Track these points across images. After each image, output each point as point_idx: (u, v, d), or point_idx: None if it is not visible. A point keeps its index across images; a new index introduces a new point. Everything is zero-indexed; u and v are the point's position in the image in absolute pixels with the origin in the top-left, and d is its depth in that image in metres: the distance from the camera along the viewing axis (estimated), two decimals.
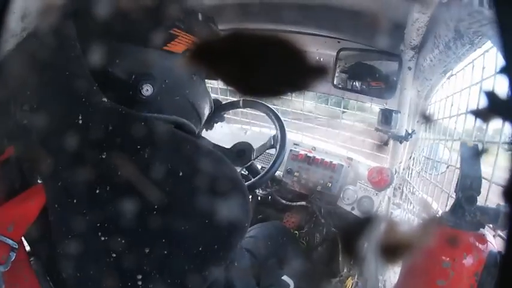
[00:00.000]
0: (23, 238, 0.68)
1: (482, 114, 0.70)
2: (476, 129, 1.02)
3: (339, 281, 1.66)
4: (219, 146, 1.44)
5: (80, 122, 0.63)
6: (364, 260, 1.47)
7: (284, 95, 0.33)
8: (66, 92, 0.66)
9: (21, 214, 0.66)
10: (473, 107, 1.03)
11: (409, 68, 1.48)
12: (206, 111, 0.90)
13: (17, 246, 0.65)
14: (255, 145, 1.53)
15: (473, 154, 0.90)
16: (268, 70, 0.31)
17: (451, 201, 1.01)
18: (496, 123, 0.87)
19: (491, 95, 0.40)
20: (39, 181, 0.69)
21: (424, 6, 1.09)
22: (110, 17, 0.67)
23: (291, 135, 2.09)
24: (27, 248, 0.72)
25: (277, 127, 1.44)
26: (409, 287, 1.02)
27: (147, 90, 0.73)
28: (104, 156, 0.62)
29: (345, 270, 1.70)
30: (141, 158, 0.62)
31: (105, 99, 0.65)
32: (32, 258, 0.73)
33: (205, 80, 0.92)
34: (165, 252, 0.62)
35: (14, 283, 0.69)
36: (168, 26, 0.75)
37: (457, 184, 0.92)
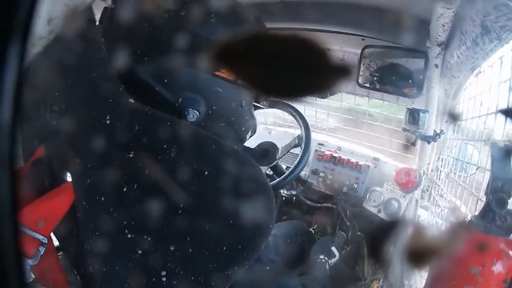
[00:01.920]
0: (52, 234, 0.70)
1: None
2: (507, 129, 0.98)
3: (363, 284, 1.63)
4: (244, 145, 1.44)
5: (108, 122, 0.65)
6: (389, 264, 1.44)
7: (310, 95, 0.32)
8: (93, 93, 0.68)
9: (50, 211, 0.68)
10: (503, 105, 1.00)
11: (436, 66, 1.44)
12: (249, 135, 0.89)
13: (46, 241, 0.67)
14: (280, 145, 1.52)
15: (505, 155, 0.88)
16: (292, 70, 0.30)
17: (480, 205, 0.98)
18: None
19: None
20: (68, 179, 0.71)
21: (449, 1, 1.05)
22: (161, 33, 0.70)
23: (316, 135, 2.07)
24: (56, 243, 0.74)
25: (302, 126, 1.43)
26: None
27: (193, 116, 0.73)
28: (131, 156, 0.63)
29: (370, 274, 1.67)
30: (167, 158, 0.63)
31: (131, 100, 0.67)
32: (60, 253, 0.75)
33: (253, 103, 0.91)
34: (190, 250, 0.63)
35: (43, 276, 0.71)
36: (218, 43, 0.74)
37: (487, 186, 0.89)
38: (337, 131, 2.14)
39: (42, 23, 0.58)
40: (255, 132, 0.91)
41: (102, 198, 0.64)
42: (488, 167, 0.96)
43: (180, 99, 0.73)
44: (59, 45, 0.66)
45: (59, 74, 0.67)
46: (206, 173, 0.64)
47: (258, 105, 1.49)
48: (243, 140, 0.88)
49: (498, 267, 0.84)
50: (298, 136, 1.48)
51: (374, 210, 1.73)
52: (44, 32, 0.60)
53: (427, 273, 1.09)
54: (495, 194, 0.86)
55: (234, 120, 0.81)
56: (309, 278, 1.22)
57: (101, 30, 0.72)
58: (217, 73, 0.75)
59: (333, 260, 1.57)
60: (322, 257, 1.52)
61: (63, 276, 0.73)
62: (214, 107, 0.76)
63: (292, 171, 1.31)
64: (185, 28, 0.70)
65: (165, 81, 0.72)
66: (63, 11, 0.61)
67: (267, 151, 1.49)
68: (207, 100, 0.75)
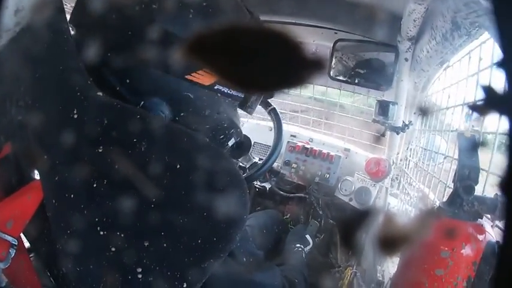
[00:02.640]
0: (22, 235, 0.67)
1: (479, 107, 0.71)
2: (473, 121, 1.02)
3: (337, 271, 1.67)
4: None
5: (75, 116, 0.62)
6: (362, 251, 1.48)
7: (281, 88, 0.33)
8: (60, 86, 0.65)
9: (19, 210, 0.65)
10: (470, 98, 1.04)
11: (406, 59, 1.48)
12: (231, 143, 0.84)
13: (16, 243, 0.64)
14: (253, 137, 1.53)
15: (471, 145, 0.91)
16: (264, 63, 0.30)
17: (448, 192, 1.01)
18: (493, 115, 0.87)
19: (487, 88, 0.40)
20: (36, 177, 0.68)
21: None
22: (124, 29, 0.66)
23: (288, 127, 2.10)
24: (27, 244, 0.72)
25: (274, 119, 1.44)
26: (408, 277, 1.03)
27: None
28: (100, 151, 0.61)
29: (344, 261, 1.71)
30: (138, 152, 0.62)
31: (100, 93, 0.63)
32: (31, 255, 0.73)
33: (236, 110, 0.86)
34: (164, 245, 0.62)
35: (14, 279, 0.69)
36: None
37: (454, 174, 0.92)
38: (308, 123, 2.16)
39: (8, 14, 0.56)
40: (240, 139, 0.86)
41: (72, 196, 0.62)
42: (455, 156, 1.00)
43: (142, 102, 0.69)
44: (25, 37, 0.64)
45: (25, 66, 0.65)
46: (178, 166, 0.62)
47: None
48: (221, 145, 0.83)
49: (467, 251, 0.87)
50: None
51: (346, 199, 1.77)
52: (10, 24, 0.58)
53: (398, 259, 1.13)
54: (462, 181, 0.89)
55: (208, 128, 0.76)
56: (288, 268, 1.22)
57: (70, 21, 0.69)
58: (188, 77, 0.70)
59: (308, 248, 1.61)
60: (298, 245, 1.55)
61: (36, 278, 0.70)
62: (182, 114, 0.72)
63: (264, 163, 1.32)
64: (155, 22, 0.66)
65: (127, 81, 0.68)
66: (30, 1, 0.60)
67: (240, 143, 1.48)
68: (173, 106, 0.70)
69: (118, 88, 0.68)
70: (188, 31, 0.67)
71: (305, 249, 1.58)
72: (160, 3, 0.67)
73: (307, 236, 1.66)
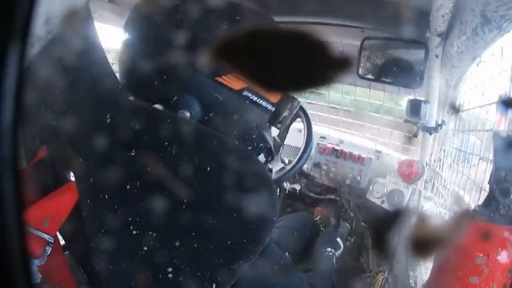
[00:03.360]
0: (58, 233, 0.70)
1: None
2: (508, 119, 0.98)
3: (368, 276, 1.64)
4: None
5: (108, 121, 0.65)
6: (394, 255, 1.45)
7: (309, 89, 0.33)
8: (92, 92, 0.68)
9: (55, 210, 0.68)
10: (504, 96, 0.99)
11: (436, 56, 1.43)
12: (261, 158, 0.87)
13: (52, 241, 0.67)
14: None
15: (507, 145, 0.87)
16: (291, 64, 0.30)
17: (484, 195, 0.98)
18: None
19: None
20: (72, 179, 0.71)
21: None
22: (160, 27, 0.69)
23: (318, 128, 2.08)
24: (62, 242, 0.74)
25: (304, 120, 1.42)
26: (441, 284, 1.00)
27: (181, 115, 0.71)
28: (132, 154, 0.64)
29: (375, 266, 1.67)
30: (169, 155, 0.63)
31: (131, 98, 0.67)
32: (66, 252, 0.75)
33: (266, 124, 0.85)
34: (195, 245, 0.63)
35: (50, 276, 0.71)
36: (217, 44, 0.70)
37: (490, 176, 0.90)
38: (339, 124, 2.13)
39: (40, 23, 0.58)
40: (271, 158, 0.89)
41: (106, 196, 0.64)
42: (491, 157, 0.96)
43: (175, 97, 0.72)
44: (57, 45, 0.66)
45: (58, 73, 0.67)
46: (208, 168, 0.64)
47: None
48: None
49: (503, 257, 0.84)
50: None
51: (377, 202, 1.73)
52: (42, 32, 0.60)
53: (432, 264, 1.09)
54: (499, 183, 0.87)
55: (236, 134, 0.78)
56: (317, 274, 1.21)
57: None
58: (219, 79, 0.73)
59: (339, 252, 1.57)
60: (329, 249, 1.52)
61: (71, 276, 0.73)
62: (211, 114, 0.74)
63: (294, 165, 1.31)
64: (184, 26, 0.69)
65: (164, 77, 0.71)
66: (60, 11, 0.61)
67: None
68: (203, 104, 0.73)
69: (155, 83, 0.71)
70: (215, 35, 0.69)
71: (336, 253, 1.54)
72: (186, 7, 0.70)
73: (338, 239, 1.62)
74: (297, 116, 1.35)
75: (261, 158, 0.86)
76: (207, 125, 0.74)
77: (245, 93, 0.75)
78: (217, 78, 0.72)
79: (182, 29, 0.68)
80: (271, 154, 0.88)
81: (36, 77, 0.66)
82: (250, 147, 0.82)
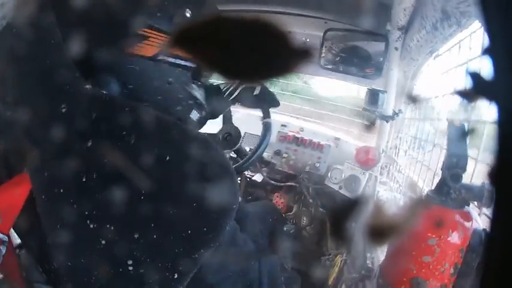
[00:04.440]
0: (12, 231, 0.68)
1: (468, 95, 0.71)
2: (462, 109, 1.03)
3: (328, 259, 1.69)
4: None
5: (64, 110, 0.62)
6: (352, 239, 1.49)
7: (271, 78, 0.33)
8: (48, 81, 0.64)
9: (7, 204, 0.65)
10: (459, 87, 1.04)
11: (396, 49, 1.49)
12: (194, 116, 0.85)
13: (7, 240, 0.65)
14: (243, 128, 1.52)
15: (460, 133, 0.91)
16: (254, 53, 0.30)
17: (437, 180, 1.02)
18: (482, 103, 0.88)
19: (475, 76, 0.41)
20: (24, 171, 0.68)
21: None
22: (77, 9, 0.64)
23: (279, 117, 2.10)
24: (18, 240, 0.71)
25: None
26: (396, 264, 1.04)
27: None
28: (89, 144, 0.61)
29: (334, 249, 1.72)
30: (127, 145, 0.61)
31: (88, 87, 0.64)
32: (22, 250, 0.73)
33: (191, 81, 0.84)
34: (155, 237, 0.62)
35: (9, 274, 0.69)
36: (136, 25, 0.69)
37: (443, 163, 0.93)
38: (299, 112, 2.16)
39: None
40: (204, 112, 0.86)
41: (62, 190, 0.62)
42: (444, 145, 1.01)
43: (94, 77, 0.69)
44: (11, 32, 0.64)
45: (11, 62, 0.64)
46: (168, 158, 0.62)
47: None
48: (182, 120, 0.83)
49: (454, 238, 0.88)
50: None
51: (335, 187, 1.78)
52: None
53: (387, 246, 1.14)
54: (450, 169, 0.90)
55: (161, 99, 0.77)
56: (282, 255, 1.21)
57: (55, 15, 0.67)
58: (130, 50, 0.71)
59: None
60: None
61: (20, 275, 0.70)
62: (130, 86, 0.72)
63: (254, 153, 1.32)
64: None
65: (80, 62, 0.66)
66: None
67: (229, 134, 1.48)
68: (120, 79, 0.71)
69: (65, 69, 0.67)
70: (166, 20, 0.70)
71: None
72: None
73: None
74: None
75: (194, 114, 0.85)
76: (130, 97, 0.72)
77: (160, 57, 0.74)
78: (128, 50, 0.70)
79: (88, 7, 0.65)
80: (202, 108, 0.86)
81: None
82: (179, 107, 0.81)
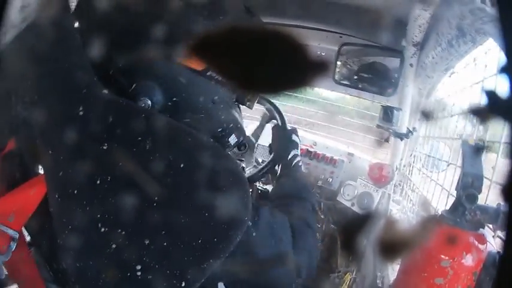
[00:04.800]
0: (23, 228, 0.68)
1: (483, 114, 0.70)
2: (477, 128, 1.01)
3: (337, 276, 1.66)
4: None
5: (81, 113, 0.62)
6: (363, 256, 1.47)
7: (285, 90, 0.33)
8: (66, 83, 0.65)
9: (21, 204, 0.66)
10: (474, 105, 1.03)
11: (411, 65, 1.47)
12: (232, 140, 0.82)
13: (17, 236, 0.65)
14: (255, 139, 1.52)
15: (475, 152, 0.90)
16: (268, 65, 0.30)
17: (451, 200, 1.00)
18: (497, 123, 0.86)
19: (491, 94, 0.40)
20: (40, 172, 0.69)
21: (426, 3, 1.08)
22: (118, 13, 0.67)
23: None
24: (28, 238, 0.72)
25: (279, 121, 1.43)
26: (407, 285, 1.03)
27: (144, 105, 0.69)
28: (104, 148, 0.61)
29: (344, 266, 1.70)
30: (142, 150, 0.61)
31: (105, 91, 0.64)
32: (32, 248, 0.73)
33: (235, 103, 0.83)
34: (165, 244, 0.61)
35: (14, 272, 0.69)
36: (189, 36, 0.66)
37: (458, 182, 0.92)
38: (313, 126, 2.15)
39: (15, 10, 0.56)
40: (242, 138, 0.84)
41: (75, 191, 0.62)
42: (459, 163, 0.99)
43: (134, 85, 0.69)
44: (31, 33, 0.64)
45: (31, 63, 0.65)
46: (181, 165, 0.62)
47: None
48: (220, 142, 0.80)
49: (468, 260, 0.87)
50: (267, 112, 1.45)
51: (348, 204, 1.76)
52: (16, 20, 0.58)
53: (398, 265, 1.12)
54: (465, 189, 0.89)
55: (203, 117, 0.75)
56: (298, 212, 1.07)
57: (76, 18, 0.69)
58: (181, 61, 0.70)
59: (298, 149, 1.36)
60: (293, 153, 1.30)
61: (36, 272, 0.71)
62: (174, 99, 0.71)
63: (267, 164, 1.30)
64: (151, 12, 0.67)
65: (120, 65, 0.68)
66: None
67: (243, 144, 1.47)
68: (165, 90, 0.70)
69: (111, 72, 0.68)
70: (190, 24, 0.68)
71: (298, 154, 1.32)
72: None
73: (294, 137, 1.38)
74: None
75: (232, 138, 0.82)
76: (172, 111, 0.71)
77: (209, 72, 0.72)
78: (179, 61, 0.70)
79: (139, 13, 0.67)
80: (242, 133, 0.85)
81: (8, 66, 0.64)
82: (220, 129, 0.79)
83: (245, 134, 0.85)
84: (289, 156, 1.25)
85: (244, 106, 0.87)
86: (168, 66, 0.70)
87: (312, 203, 1.04)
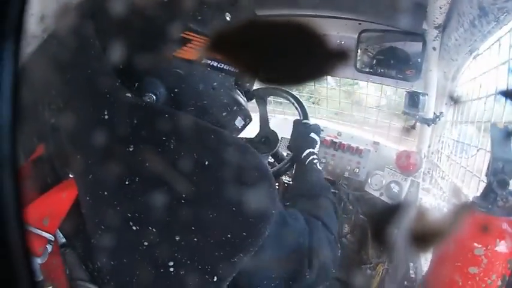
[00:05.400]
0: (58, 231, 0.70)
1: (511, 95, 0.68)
2: (506, 110, 0.98)
3: (369, 267, 1.64)
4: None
5: (106, 117, 0.64)
6: (394, 247, 1.45)
7: (307, 82, 0.32)
8: (90, 89, 0.67)
9: (54, 207, 0.68)
10: (502, 87, 0.99)
11: (434, 49, 1.43)
12: (238, 122, 0.85)
13: (53, 239, 0.67)
14: (280, 132, 1.52)
15: (505, 136, 0.88)
16: (289, 56, 0.30)
17: (482, 186, 0.99)
18: None
19: None
20: (70, 176, 0.70)
21: None
22: (116, 17, 0.68)
23: (316, 121, 2.08)
24: (63, 240, 0.74)
25: (300, 113, 1.42)
26: (441, 275, 1.01)
27: (149, 99, 0.72)
28: (131, 149, 0.63)
29: (375, 257, 1.68)
30: (167, 150, 0.63)
31: (128, 94, 0.66)
32: (67, 250, 0.76)
33: (234, 87, 0.85)
34: (195, 240, 0.63)
35: (49, 274, 0.70)
36: (178, 29, 0.71)
37: (488, 168, 0.91)
38: (336, 116, 2.13)
39: (34, 21, 0.58)
40: (248, 120, 0.87)
41: (105, 193, 0.64)
42: (489, 148, 0.96)
43: (138, 82, 0.72)
44: (53, 42, 0.67)
45: (55, 71, 0.67)
46: (207, 162, 0.63)
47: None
48: (227, 126, 0.83)
49: (501, 247, 0.85)
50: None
51: (376, 194, 1.73)
52: (37, 30, 0.60)
53: (431, 255, 1.10)
54: (496, 175, 0.87)
55: (206, 103, 0.78)
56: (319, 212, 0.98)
57: (94, 25, 0.71)
58: (176, 54, 0.72)
59: (317, 148, 1.30)
60: (307, 152, 1.25)
61: (64, 275, 0.73)
62: (176, 90, 0.74)
63: (286, 163, 1.30)
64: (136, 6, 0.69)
65: (121, 66, 0.70)
66: (55, 8, 0.61)
67: (267, 139, 1.48)
68: (166, 83, 0.73)
69: (117, 75, 0.70)
70: (204, 23, 0.71)
71: (316, 152, 1.27)
72: None
73: (312, 135, 1.33)
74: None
75: (239, 121, 0.85)
76: (175, 102, 0.74)
77: (205, 60, 0.75)
78: (174, 54, 0.72)
79: (137, 13, 0.69)
80: (247, 115, 0.86)
81: (33, 75, 0.66)
82: (225, 113, 0.82)
83: (250, 116, 0.87)
84: (304, 154, 1.23)
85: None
86: (165, 61, 0.73)
87: (327, 197, 1.04)
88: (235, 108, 0.83)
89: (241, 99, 0.86)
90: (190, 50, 0.73)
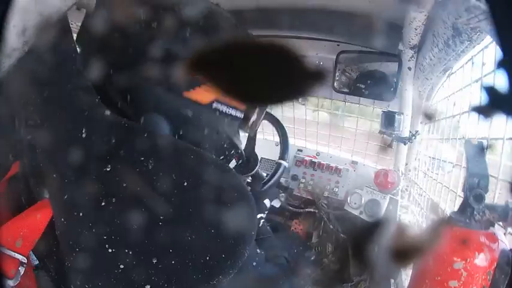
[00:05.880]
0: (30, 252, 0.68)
1: (484, 111, 0.70)
2: (480, 127, 1.01)
3: (350, 286, 1.64)
4: None
5: (84, 135, 0.63)
6: (375, 264, 1.45)
7: (285, 102, 0.33)
8: (68, 106, 0.66)
9: (28, 229, 0.66)
10: (475, 104, 1.03)
11: (409, 68, 1.47)
12: (232, 165, 0.85)
13: (25, 261, 0.65)
14: (259, 152, 1.52)
15: (479, 152, 0.90)
16: (268, 77, 0.31)
17: (459, 201, 1.00)
18: (499, 119, 0.87)
19: (491, 90, 0.40)
20: (45, 196, 0.69)
21: (421, 5, 1.08)
22: (116, 36, 0.68)
23: (295, 141, 2.09)
24: (36, 262, 0.72)
25: (280, 133, 1.43)
26: None
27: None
28: (108, 169, 0.62)
29: (356, 275, 1.68)
30: (145, 170, 0.62)
31: (107, 112, 0.65)
32: (40, 272, 0.73)
33: (237, 131, 0.84)
34: (173, 262, 0.61)
35: None
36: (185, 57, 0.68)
37: (464, 183, 0.91)
38: (315, 137, 2.15)
39: (15, 34, 0.57)
40: (241, 161, 0.87)
41: (81, 214, 0.62)
42: (464, 164, 0.98)
43: (142, 118, 0.69)
44: (33, 57, 0.65)
45: (33, 86, 0.65)
46: (185, 183, 0.62)
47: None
48: None
49: (481, 260, 0.85)
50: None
51: (356, 212, 1.74)
52: (17, 43, 0.59)
53: (411, 271, 1.10)
54: (472, 190, 0.88)
55: (208, 148, 0.75)
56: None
57: (76, 40, 0.70)
58: (187, 94, 0.70)
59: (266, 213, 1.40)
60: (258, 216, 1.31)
61: None
62: (181, 132, 0.72)
63: (270, 178, 1.31)
64: (155, 41, 0.67)
65: (128, 97, 0.69)
66: (37, 21, 0.61)
67: (248, 160, 1.48)
68: (173, 123, 0.71)
69: (119, 105, 0.69)
70: (185, 49, 0.67)
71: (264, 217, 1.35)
72: (159, 22, 0.68)
73: (266, 201, 1.42)
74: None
75: (232, 163, 0.84)
76: None
77: (215, 105, 0.73)
78: (185, 94, 0.70)
79: (152, 43, 0.67)
80: (242, 157, 0.87)
81: (10, 89, 0.65)
82: (222, 157, 0.80)
83: (244, 156, 0.87)
84: None
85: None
86: (175, 100, 0.70)
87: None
88: (232, 152, 0.82)
89: (239, 141, 0.85)
90: (204, 93, 0.71)
